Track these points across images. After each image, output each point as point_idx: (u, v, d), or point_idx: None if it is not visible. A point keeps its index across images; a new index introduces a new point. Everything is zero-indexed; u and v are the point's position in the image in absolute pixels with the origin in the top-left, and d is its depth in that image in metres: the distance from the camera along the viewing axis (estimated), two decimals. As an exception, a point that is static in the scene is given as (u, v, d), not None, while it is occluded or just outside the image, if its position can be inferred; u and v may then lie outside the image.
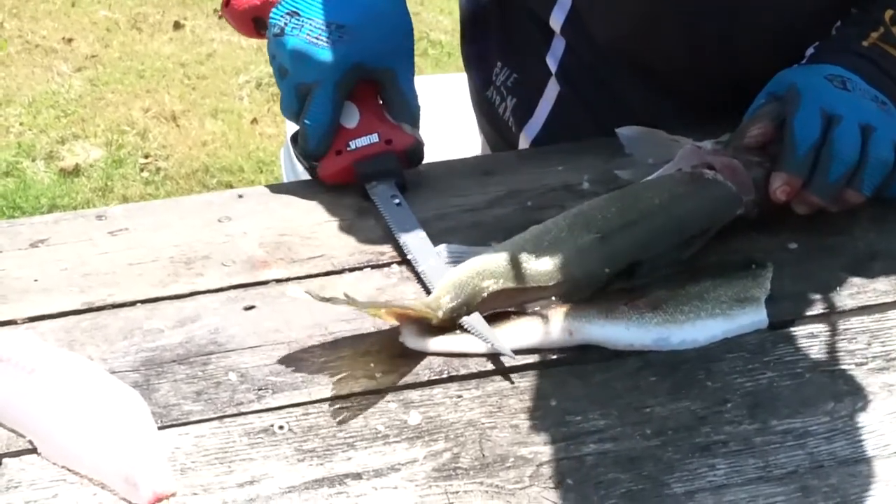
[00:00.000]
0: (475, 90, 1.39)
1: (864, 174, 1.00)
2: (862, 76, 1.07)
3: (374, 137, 1.07)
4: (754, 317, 0.91)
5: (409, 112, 1.09)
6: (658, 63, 1.21)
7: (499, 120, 1.34)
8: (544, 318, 0.90)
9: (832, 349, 0.89)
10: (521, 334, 0.90)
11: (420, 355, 0.88)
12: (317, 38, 1.05)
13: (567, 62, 1.26)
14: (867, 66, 1.08)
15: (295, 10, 1.06)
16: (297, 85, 1.06)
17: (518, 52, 1.30)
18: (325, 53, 1.04)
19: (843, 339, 0.90)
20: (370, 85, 1.08)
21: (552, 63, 1.26)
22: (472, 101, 1.42)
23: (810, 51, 1.14)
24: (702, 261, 0.98)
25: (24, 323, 0.91)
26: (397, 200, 1.04)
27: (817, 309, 0.93)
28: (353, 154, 1.07)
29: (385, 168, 1.07)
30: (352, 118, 1.08)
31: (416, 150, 1.08)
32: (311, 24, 1.05)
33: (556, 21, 1.24)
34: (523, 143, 1.30)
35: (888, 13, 1.10)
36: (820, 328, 0.91)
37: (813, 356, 0.88)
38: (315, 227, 1.02)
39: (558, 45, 1.26)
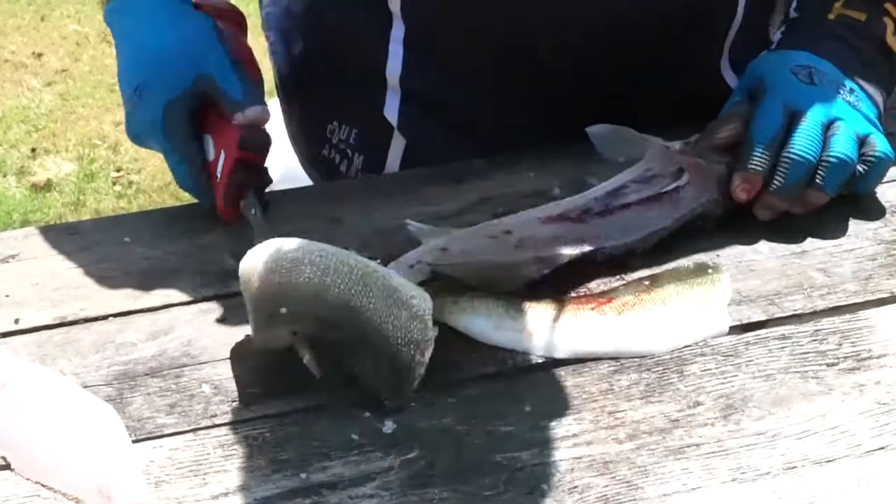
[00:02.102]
0: (307, 151, 1.32)
1: (825, 173, 1.00)
2: (831, 60, 1.07)
3: (222, 156, 1.01)
4: (716, 323, 0.91)
5: (232, 104, 1.00)
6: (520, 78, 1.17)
7: (343, 178, 1.26)
8: (507, 313, 0.91)
9: (803, 350, 0.89)
10: (482, 328, 0.90)
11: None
12: (132, 110, 1.03)
13: (407, 113, 1.20)
14: (836, 47, 1.08)
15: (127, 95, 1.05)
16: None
17: (355, 107, 1.24)
18: (141, 118, 1.03)
19: (814, 340, 0.90)
20: (213, 105, 1.02)
21: (392, 117, 1.20)
22: (300, 161, 1.34)
23: (777, 35, 1.13)
24: (663, 264, 0.98)
25: (-5, 338, 0.91)
26: (253, 211, 0.99)
27: (788, 310, 0.93)
28: (220, 184, 1.01)
29: (240, 181, 1.00)
30: (210, 150, 1.02)
31: (245, 139, 1.00)
32: (127, 100, 1.04)
33: (392, 72, 1.19)
34: None
35: None
36: (791, 329, 0.91)
37: (784, 357, 0.89)
38: (287, 236, 1.02)
39: (393, 98, 1.20)
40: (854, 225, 1.04)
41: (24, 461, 0.79)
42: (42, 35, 3.96)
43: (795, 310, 0.93)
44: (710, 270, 0.95)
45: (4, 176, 3.20)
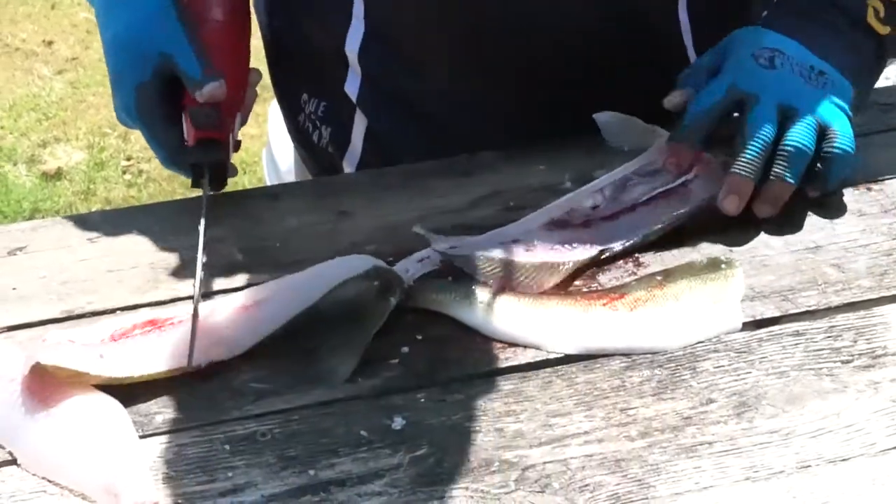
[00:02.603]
0: (287, 115, 1.32)
1: (782, 161, 0.99)
2: (805, 41, 1.05)
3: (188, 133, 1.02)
4: (729, 319, 0.90)
5: (191, 82, 0.99)
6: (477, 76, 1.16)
7: (316, 148, 1.27)
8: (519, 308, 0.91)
9: (818, 347, 0.88)
10: (490, 323, 0.90)
11: (403, 360, 0.87)
12: (113, 95, 1.04)
13: (366, 93, 1.20)
14: (814, 27, 1.07)
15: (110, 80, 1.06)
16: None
17: (320, 81, 1.24)
18: (118, 103, 1.04)
19: (828, 337, 0.89)
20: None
21: (352, 94, 1.20)
22: (286, 125, 1.35)
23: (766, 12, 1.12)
24: (676, 259, 0.97)
25: (1, 332, 0.90)
26: (203, 192, 0.99)
27: (802, 306, 0.92)
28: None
29: (194, 159, 1.01)
30: (186, 132, 1.03)
31: (195, 116, 1.00)
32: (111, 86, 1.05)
33: (352, 49, 1.18)
34: (347, 167, 1.24)
35: None
36: (805, 326, 0.90)
37: (798, 354, 0.88)
38: (295, 230, 1.02)
39: (354, 76, 1.20)
40: (868, 220, 1.02)
41: (31, 457, 0.79)
42: (52, 23, 3.95)
43: (809, 306, 0.92)
44: (723, 266, 0.94)
45: (15, 164, 3.20)
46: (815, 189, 1.03)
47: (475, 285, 0.92)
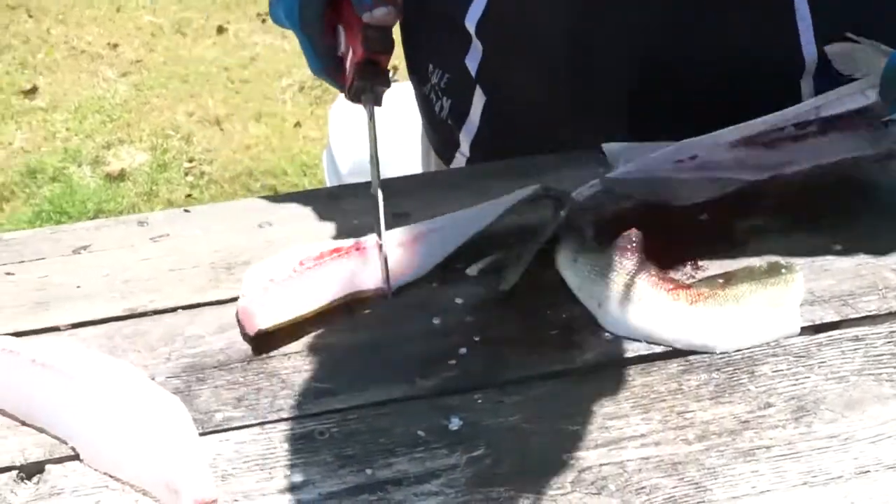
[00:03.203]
0: (415, 85, 1.34)
1: None
2: None
3: (350, 53, 1.02)
4: (788, 323, 0.90)
5: (360, 3, 0.98)
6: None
7: (437, 119, 1.30)
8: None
9: (877, 352, 0.87)
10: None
11: (461, 361, 0.87)
12: None
13: (486, 67, 1.21)
14: None
15: None
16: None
17: (443, 53, 1.26)
18: (279, 5, 1.04)
19: (888, 342, 0.88)
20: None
21: (472, 67, 1.21)
22: (415, 96, 1.37)
23: None
24: (736, 264, 0.97)
25: (66, 329, 0.91)
26: (369, 114, 1.01)
27: (863, 311, 0.91)
28: (347, 80, 1.03)
29: (361, 81, 1.01)
30: (342, 42, 1.04)
31: (370, 39, 1.00)
32: None
33: (471, 22, 1.18)
34: (463, 143, 1.27)
35: None
36: (865, 331, 0.90)
37: (858, 359, 0.87)
38: (356, 231, 1.02)
39: (475, 51, 1.21)
40: (932, 224, 1.01)
41: (93, 452, 0.80)
42: (117, 26, 4.00)
43: (870, 311, 0.91)
44: (783, 270, 0.94)
45: (80, 166, 3.24)
46: None
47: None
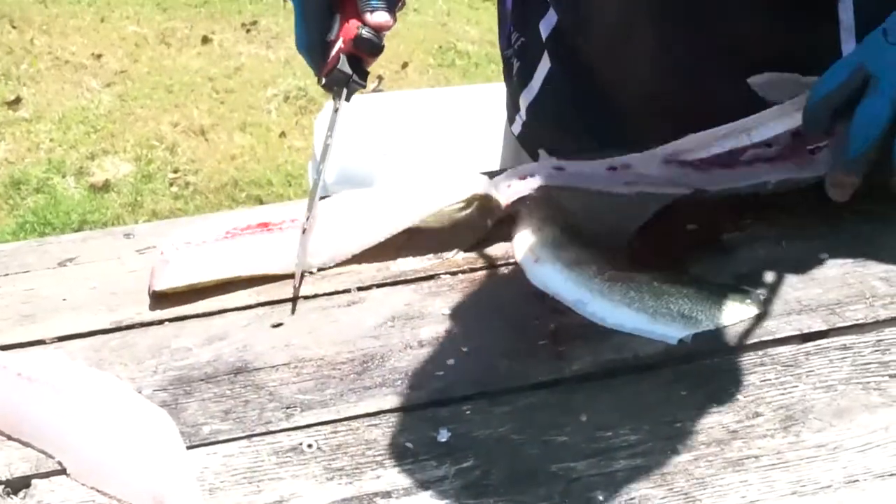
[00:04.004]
0: (502, 53, 1.37)
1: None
2: None
3: (339, 43, 1.05)
4: (668, 330, 0.91)
5: (369, 4, 1.03)
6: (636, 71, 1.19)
7: (510, 79, 1.33)
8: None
9: (865, 361, 0.88)
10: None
11: (449, 372, 0.87)
12: None
13: (556, 35, 1.23)
14: None
15: None
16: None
17: (524, 17, 1.28)
18: None
19: (876, 351, 0.89)
20: None
21: (544, 31, 1.24)
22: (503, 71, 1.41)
23: None
24: (724, 271, 0.97)
25: (52, 342, 0.91)
26: (336, 106, 1.04)
27: (850, 320, 0.92)
28: (325, 66, 1.06)
29: (340, 74, 1.04)
30: (335, 29, 1.06)
31: (362, 39, 1.03)
32: None
33: None
34: (522, 105, 1.30)
35: None
36: (853, 340, 0.90)
37: (846, 368, 0.87)
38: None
39: (552, 16, 1.23)
40: (918, 233, 1.02)
41: (80, 466, 0.79)
42: (101, 36, 4.00)
43: (857, 319, 0.92)
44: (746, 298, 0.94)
45: (63, 176, 3.23)
46: None
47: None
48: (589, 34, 1.20)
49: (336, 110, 1.04)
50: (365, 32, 1.02)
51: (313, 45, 1.06)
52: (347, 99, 1.05)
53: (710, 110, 1.06)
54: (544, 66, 1.26)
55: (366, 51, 1.03)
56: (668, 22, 1.12)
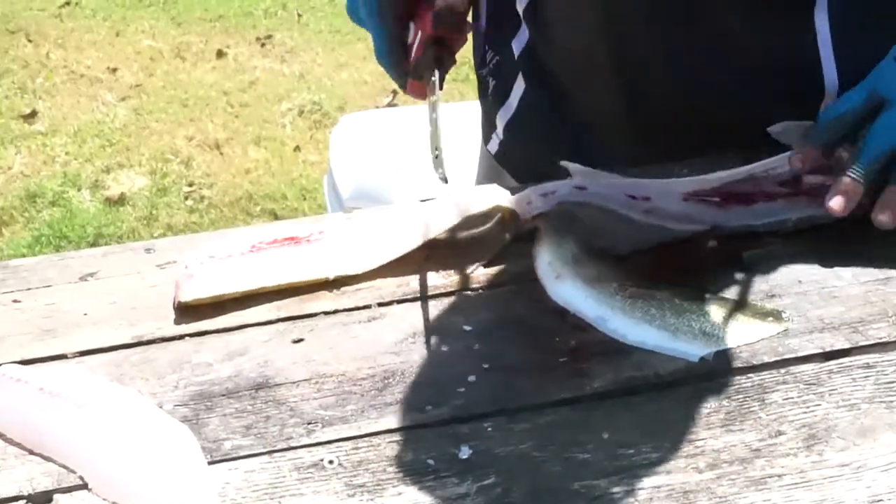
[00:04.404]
0: (477, 72, 1.36)
1: None
2: None
3: (419, 37, 1.06)
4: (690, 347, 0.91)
5: None
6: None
7: (486, 98, 1.32)
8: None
9: (888, 380, 0.87)
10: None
11: (470, 389, 0.87)
12: None
13: (528, 52, 1.23)
14: None
15: None
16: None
17: (498, 35, 1.28)
18: None
19: (899, 369, 0.88)
20: None
21: (517, 49, 1.24)
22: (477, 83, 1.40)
23: None
24: (744, 289, 0.97)
25: (74, 357, 0.91)
26: (433, 94, 1.03)
27: (873, 338, 0.91)
28: (412, 60, 1.07)
29: (428, 57, 1.05)
30: (410, 35, 1.08)
31: (440, 15, 1.04)
32: None
33: (521, 4, 1.21)
34: (500, 123, 1.29)
35: None
36: (876, 358, 0.89)
37: (869, 387, 0.87)
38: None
39: (524, 33, 1.23)
40: (940, 251, 1.01)
41: (102, 481, 0.79)
42: (117, 50, 4.01)
43: (880, 338, 0.91)
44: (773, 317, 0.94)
45: (79, 190, 3.24)
46: None
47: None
48: (554, 53, 1.21)
49: (434, 101, 1.03)
50: (441, 11, 1.03)
51: (394, 50, 1.08)
52: (441, 82, 1.04)
53: (683, 129, 1.12)
54: (520, 84, 1.25)
55: (445, 28, 1.04)
56: (626, 42, 1.13)
